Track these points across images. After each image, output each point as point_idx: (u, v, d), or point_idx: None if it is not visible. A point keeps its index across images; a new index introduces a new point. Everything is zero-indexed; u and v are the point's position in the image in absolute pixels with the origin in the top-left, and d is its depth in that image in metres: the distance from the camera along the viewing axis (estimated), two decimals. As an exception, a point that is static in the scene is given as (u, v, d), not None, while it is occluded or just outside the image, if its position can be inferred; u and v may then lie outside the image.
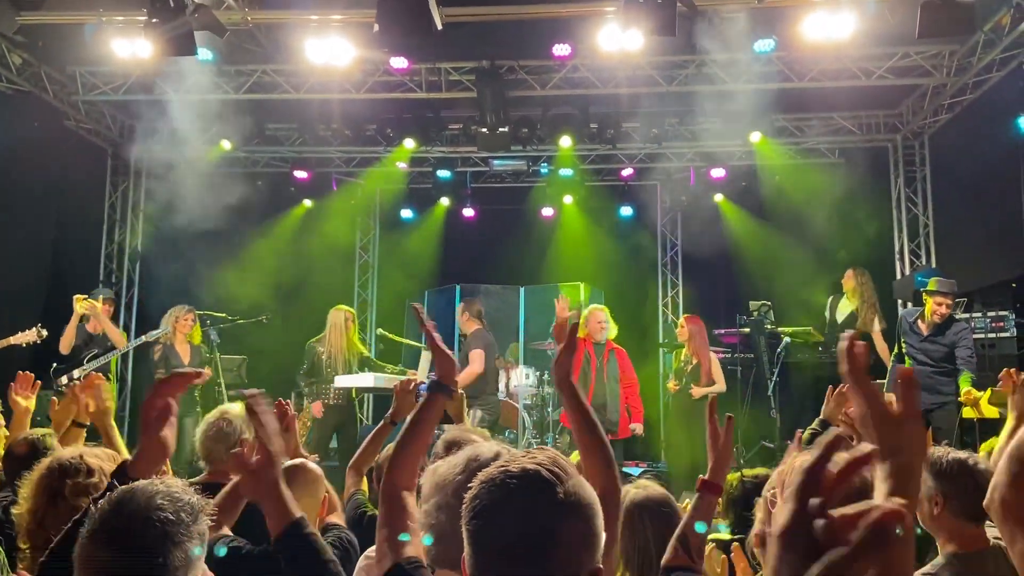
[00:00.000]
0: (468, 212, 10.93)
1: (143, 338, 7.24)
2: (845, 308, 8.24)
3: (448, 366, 1.98)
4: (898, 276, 9.41)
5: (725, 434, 2.20)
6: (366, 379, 8.38)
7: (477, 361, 7.24)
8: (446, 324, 10.14)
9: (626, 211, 10.88)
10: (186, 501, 1.36)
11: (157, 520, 1.31)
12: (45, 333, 6.75)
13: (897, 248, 9.64)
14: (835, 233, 9.24)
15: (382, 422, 3.19)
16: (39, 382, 3.60)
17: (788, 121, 9.76)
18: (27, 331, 6.67)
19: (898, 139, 9.71)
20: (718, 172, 10.04)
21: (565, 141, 9.37)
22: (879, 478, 1.01)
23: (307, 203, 10.67)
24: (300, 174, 10.28)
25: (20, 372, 3.57)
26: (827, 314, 8.30)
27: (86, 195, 9.62)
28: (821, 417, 3.31)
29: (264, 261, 9.83)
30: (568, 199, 10.89)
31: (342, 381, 8.13)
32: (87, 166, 9.57)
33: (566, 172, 10.36)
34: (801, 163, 10.11)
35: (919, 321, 6.49)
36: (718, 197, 10.36)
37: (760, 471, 2.90)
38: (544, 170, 10.71)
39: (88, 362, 6.83)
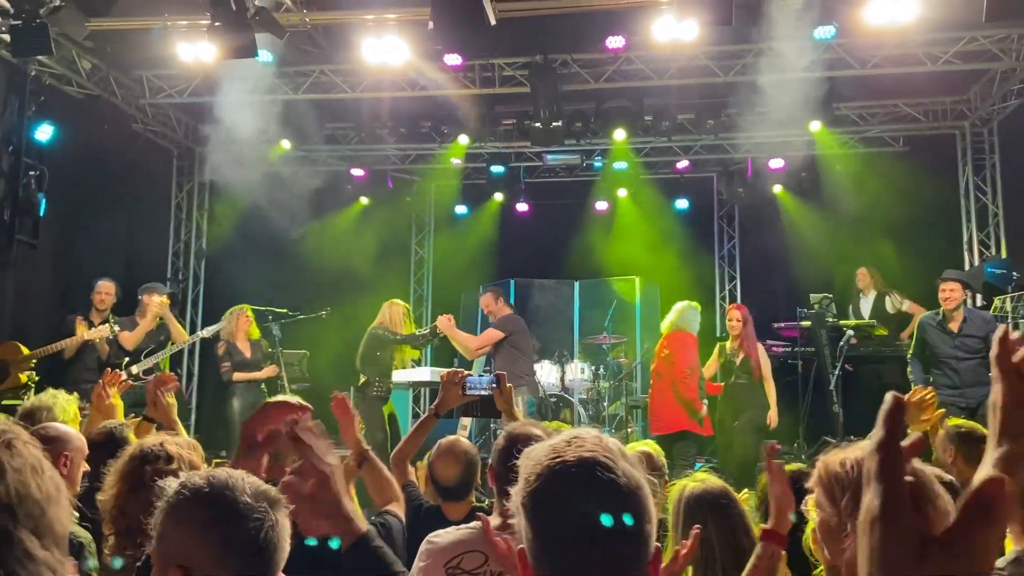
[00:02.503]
0: (522, 207, 10.96)
1: (199, 334, 7.49)
2: (868, 302, 8.33)
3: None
4: (966, 267, 9.11)
5: (779, 480, 2.15)
6: (423, 373, 8.50)
7: (486, 336, 7.26)
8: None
9: (681, 204, 10.77)
10: (265, 491, 1.40)
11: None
12: (118, 329, 7.01)
13: (965, 238, 9.33)
14: (900, 224, 8.99)
15: (427, 413, 3.23)
16: (129, 382, 3.75)
17: (850, 109, 9.52)
18: (100, 327, 6.94)
19: (966, 126, 9.38)
20: (777, 163, 9.86)
21: (619, 134, 9.32)
22: (987, 461, 0.99)
23: (364, 200, 10.84)
24: (357, 172, 10.45)
25: (108, 370, 3.73)
26: (852, 319, 8.23)
27: (153, 195, 9.96)
28: None
29: (323, 257, 10.03)
30: (622, 192, 10.83)
31: (400, 375, 8.27)
32: (154, 167, 9.91)
33: (620, 165, 10.30)
34: (864, 152, 9.85)
35: (946, 322, 6.38)
36: (777, 188, 10.18)
37: (796, 466, 2.84)
38: (598, 164, 10.67)
39: (145, 357, 7.07)
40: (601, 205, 10.92)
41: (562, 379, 8.84)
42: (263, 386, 7.30)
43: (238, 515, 1.35)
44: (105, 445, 2.83)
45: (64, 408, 3.69)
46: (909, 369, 6.63)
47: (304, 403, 1.77)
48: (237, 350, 7.50)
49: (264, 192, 9.04)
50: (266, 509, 1.38)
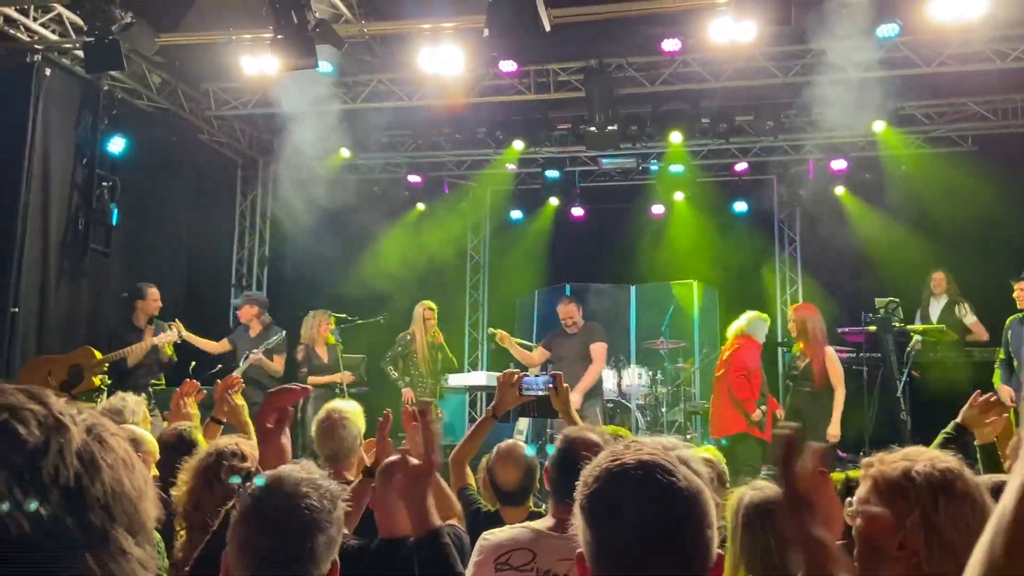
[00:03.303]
0: (577, 211, 10.94)
1: (261, 350, 7.44)
2: (937, 307, 8.15)
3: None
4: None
5: (824, 487, 2.05)
6: (479, 377, 8.55)
7: (601, 357, 7.36)
8: (556, 324, 10.17)
9: (740, 207, 10.61)
10: (327, 488, 1.46)
11: (305, 507, 1.40)
12: (186, 333, 7.23)
13: (1039, 240, 8.96)
14: (968, 225, 8.68)
15: (484, 415, 3.25)
16: (204, 392, 3.86)
17: (915, 109, 9.25)
18: (168, 332, 7.17)
19: (1039, 124, 9.02)
20: (839, 164, 9.64)
21: (676, 137, 9.24)
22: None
23: (420, 206, 10.96)
24: (414, 178, 10.58)
25: (188, 379, 3.85)
26: (919, 324, 7.97)
27: (218, 204, 10.26)
28: (957, 421, 3.08)
29: (380, 263, 10.18)
30: (679, 196, 10.71)
31: (456, 379, 8.33)
32: (219, 177, 10.21)
33: (677, 169, 10.20)
34: (930, 152, 9.55)
35: None
36: (839, 190, 9.95)
37: (855, 474, 2.73)
38: (654, 167, 10.58)
39: (244, 361, 7.28)
40: (657, 209, 10.82)
41: (619, 384, 8.79)
42: (337, 390, 7.46)
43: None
44: (176, 446, 2.94)
45: (133, 410, 3.82)
46: (997, 373, 6.41)
47: (303, 385, 1.91)
48: (316, 355, 7.76)
49: (324, 200, 9.23)
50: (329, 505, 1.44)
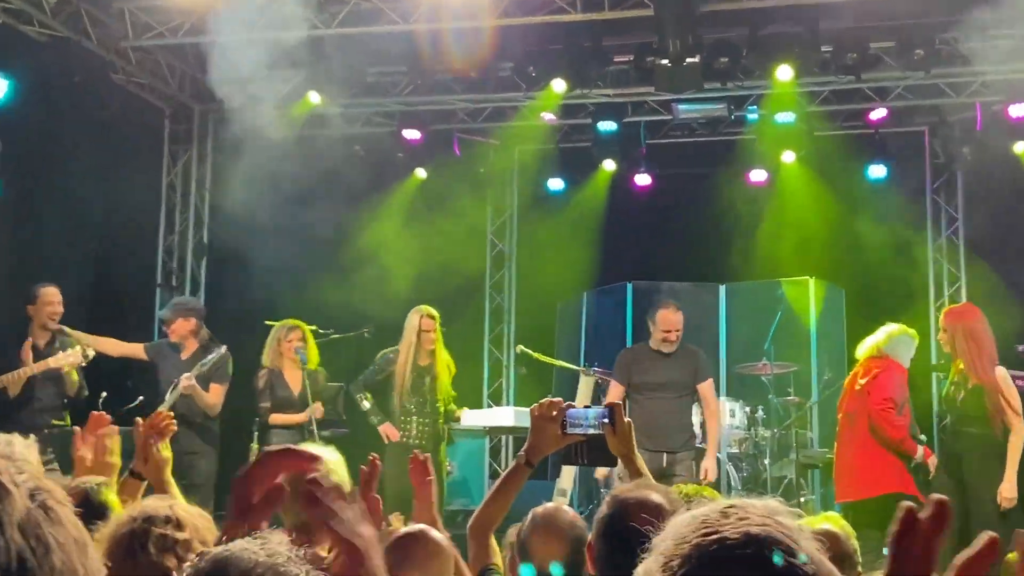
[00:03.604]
0: (642, 179, 10.93)
1: (193, 374, 7.46)
2: None
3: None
4: None
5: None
6: (504, 415, 8.57)
7: (715, 399, 7.80)
8: (614, 338, 10.17)
9: (877, 171, 10.53)
10: (295, 574, 1.43)
11: None
12: (92, 353, 7.30)
13: None
14: None
15: (515, 463, 3.24)
16: (115, 426, 3.88)
17: None
18: (69, 350, 7.23)
19: None
20: (1019, 110, 9.51)
21: (784, 73, 9.17)
22: None
23: (420, 173, 11.01)
24: (411, 134, 10.62)
25: (94, 413, 3.87)
26: None
27: (139, 171, 10.31)
28: None
29: (365, 255, 10.23)
30: (788, 156, 10.65)
31: (472, 417, 8.35)
32: (140, 133, 10.31)
33: (785, 118, 10.13)
34: None
35: None
36: (1019, 147, 9.83)
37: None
38: (752, 116, 10.53)
39: (171, 392, 7.34)
40: (757, 175, 10.78)
41: (703, 425, 8.73)
42: (306, 431, 7.53)
43: None
44: (81, 510, 2.94)
45: (26, 459, 3.85)
46: None
47: (314, 451, 1.82)
48: (283, 383, 7.83)
49: (286, 165, 9.29)
50: None
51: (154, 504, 2.50)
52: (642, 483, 2.78)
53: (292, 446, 1.92)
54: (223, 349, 7.68)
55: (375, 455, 2.72)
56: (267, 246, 9.65)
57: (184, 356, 7.87)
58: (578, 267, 11.06)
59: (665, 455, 7.35)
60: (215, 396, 7.71)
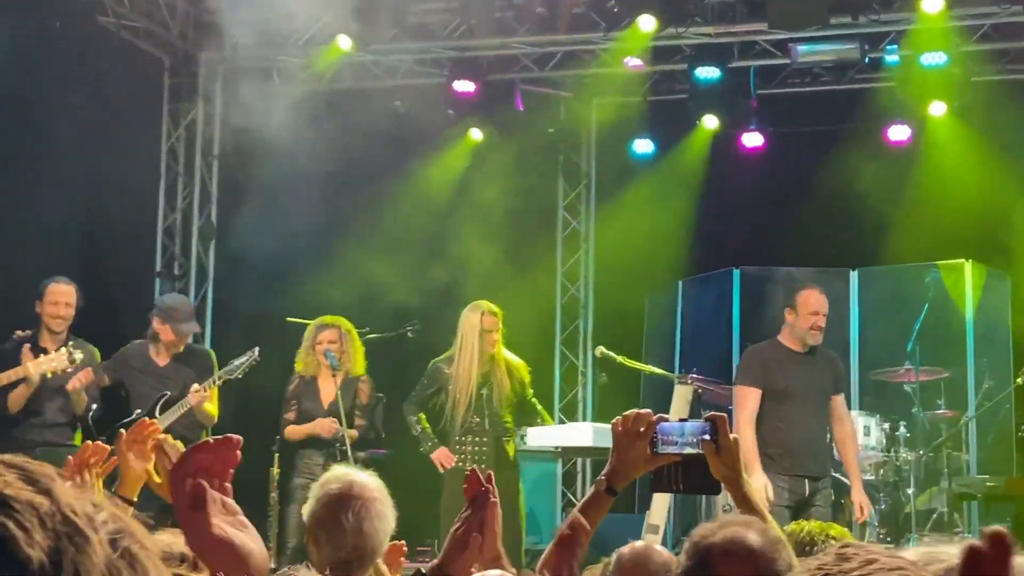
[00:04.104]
0: (752, 140, 10.85)
1: (218, 381, 7.63)
2: None
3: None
4: None
5: None
6: (580, 432, 8.60)
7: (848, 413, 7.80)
8: (716, 338, 10.14)
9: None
10: None
11: None
12: (79, 356, 7.48)
13: None
14: None
15: (593, 489, 3.25)
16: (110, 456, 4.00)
17: None
18: (53, 353, 7.43)
19: None
20: None
21: (932, 3, 9.07)
22: None
23: (475, 134, 11.05)
24: (463, 86, 10.64)
25: (88, 443, 3.98)
26: None
27: (133, 134, 10.43)
28: None
29: (407, 235, 10.31)
30: (938, 108, 10.51)
31: (540, 436, 8.40)
32: (133, 87, 10.40)
33: (934, 59, 10.00)
34: None
35: None
36: None
37: None
38: (892, 58, 10.40)
39: (161, 413, 7.47)
40: (898, 132, 10.64)
41: (830, 443, 8.70)
42: (337, 451, 7.67)
43: None
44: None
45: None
46: None
47: (229, 436, 1.87)
48: (312, 393, 8.01)
49: (312, 126, 9.38)
50: None
51: (167, 540, 2.57)
52: (731, 520, 2.73)
53: (222, 437, 1.94)
54: (255, 352, 7.79)
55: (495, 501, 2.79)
56: (289, 225, 9.74)
57: (162, 362, 8.01)
58: (671, 250, 11.00)
59: (807, 481, 7.34)
60: (213, 403, 7.85)
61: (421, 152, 10.79)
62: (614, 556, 3.34)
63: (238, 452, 1.81)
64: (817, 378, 7.52)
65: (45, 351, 7.53)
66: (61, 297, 7.67)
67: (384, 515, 3.51)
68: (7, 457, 0.92)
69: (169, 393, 7.65)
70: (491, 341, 7.86)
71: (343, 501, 3.49)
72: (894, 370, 9.08)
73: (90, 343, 7.79)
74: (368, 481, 3.59)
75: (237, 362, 7.67)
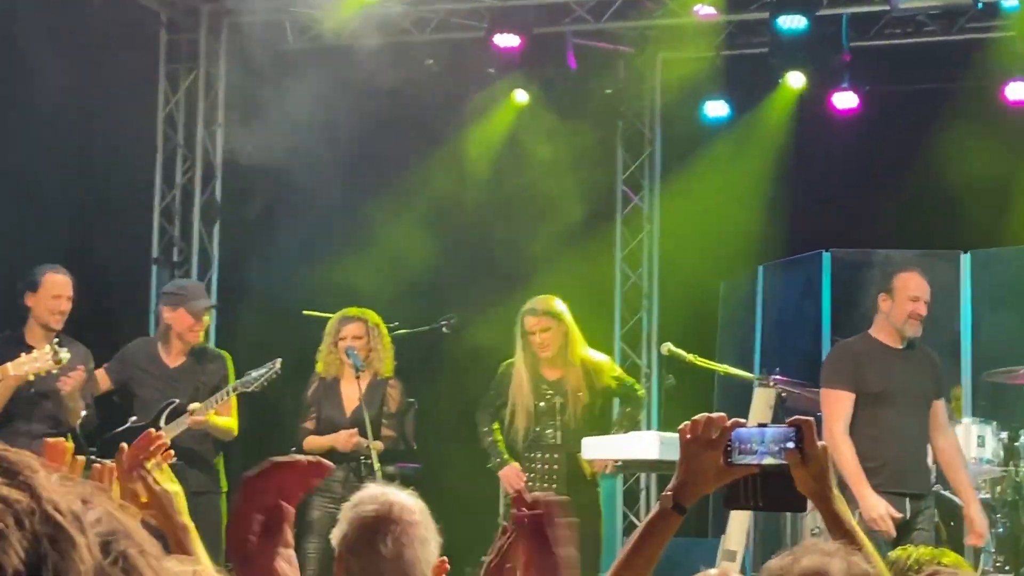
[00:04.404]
0: (845, 100, 10.80)
1: (230, 390, 7.69)
2: None
3: None
4: None
5: None
6: (644, 443, 8.51)
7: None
8: (802, 332, 10.05)
9: None
10: None
11: None
12: (66, 355, 7.49)
13: None
14: None
15: (658, 507, 3.20)
16: (79, 459, 3.97)
17: None
18: (36, 352, 7.42)
19: None
20: None
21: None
22: None
23: (520, 96, 11.03)
24: (506, 40, 10.62)
25: (47, 440, 3.95)
26: None
27: (125, 100, 10.49)
28: None
29: (442, 215, 10.28)
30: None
31: (597, 448, 8.33)
32: (126, 46, 10.40)
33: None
34: None
35: None
36: None
37: None
38: (1010, 2, 10.26)
39: (167, 423, 7.50)
40: (1017, 91, 10.53)
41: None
42: (363, 466, 7.68)
43: None
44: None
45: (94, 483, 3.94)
46: None
47: (320, 459, 1.90)
48: (334, 398, 8.03)
49: (331, 89, 9.37)
50: None
51: (175, 570, 2.52)
52: (814, 547, 2.73)
53: (297, 457, 1.94)
54: (276, 364, 7.79)
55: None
56: (306, 204, 9.76)
57: (172, 362, 8.02)
58: (750, 229, 11.00)
59: (908, 500, 7.19)
60: (231, 416, 7.87)
61: (457, 118, 10.78)
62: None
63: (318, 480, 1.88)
64: (918, 378, 7.40)
65: (30, 348, 7.54)
66: (63, 290, 7.69)
67: (427, 541, 3.49)
68: None
69: (177, 401, 7.69)
70: (538, 344, 7.86)
71: (381, 525, 3.48)
72: (1013, 370, 8.93)
73: (77, 340, 7.79)
74: (408, 502, 3.56)
75: (255, 374, 7.72)
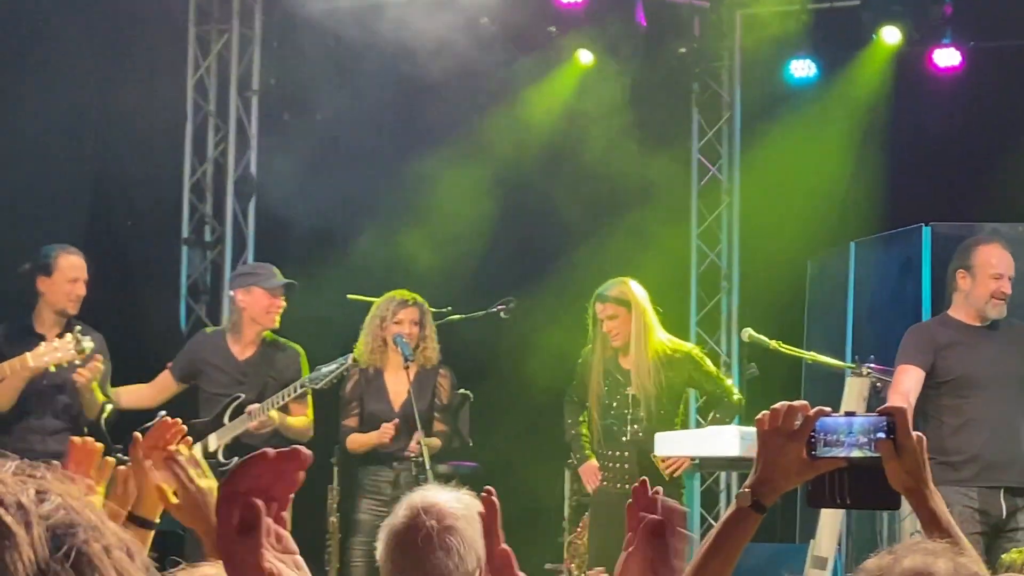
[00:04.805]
0: (946, 58, 10.75)
1: (296, 387, 7.75)
2: None
3: None
4: None
5: None
6: (725, 438, 8.51)
7: None
8: (900, 313, 9.99)
9: None
10: None
11: None
12: (89, 344, 7.56)
13: None
14: None
15: (733, 505, 3.18)
16: (108, 459, 4.01)
17: None
18: (57, 341, 7.50)
19: None
20: None
21: None
22: None
23: (584, 57, 11.05)
24: (567, -6, 10.65)
25: (74, 439, 3.99)
26: None
27: (151, 65, 10.57)
28: None
29: (498, 188, 10.29)
30: None
31: (670, 444, 8.34)
32: (151, 5, 10.45)
33: None
34: None
35: None
36: None
37: None
38: None
39: (230, 419, 7.65)
40: None
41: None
42: (414, 464, 7.71)
43: None
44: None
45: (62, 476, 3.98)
46: None
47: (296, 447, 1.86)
48: (379, 391, 8.07)
49: (377, 51, 9.39)
50: None
51: (209, 574, 2.54)
52: (916, 546, 2.69)
53: (255, 453, 1.92)
54: (348, 359, 7.85)
55: (490, 488, 2.72)
56: (348, 177, 9.78)
57: (241, 355, 8.08)
58: (841, 202, 10.98)
59: (1003, 494, 7.14)
60: (305, 415, 7.96)
61: (514, 81, 10.79)
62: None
63: (302, 472, 1.79)
64: (1008, 359, 7.33)
65: (44, 339, 7.61)
66: (80, 272, 7.76)
67: (472, 542, 3.47)
68: None
69: (243, 396, 7.76)
70: (608, 331, 7.88)
71: (411, 534, 3.51)
72: None
73: (100, 329, 7.86)
74: (444, 501, 3.56)
75: (325, 369, 7.77)
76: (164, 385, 8.17)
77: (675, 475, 7.88)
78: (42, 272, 7.68)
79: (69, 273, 7.67)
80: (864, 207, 10.91)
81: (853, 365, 8.40)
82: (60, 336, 7.56)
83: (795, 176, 11.15)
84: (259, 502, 1.79)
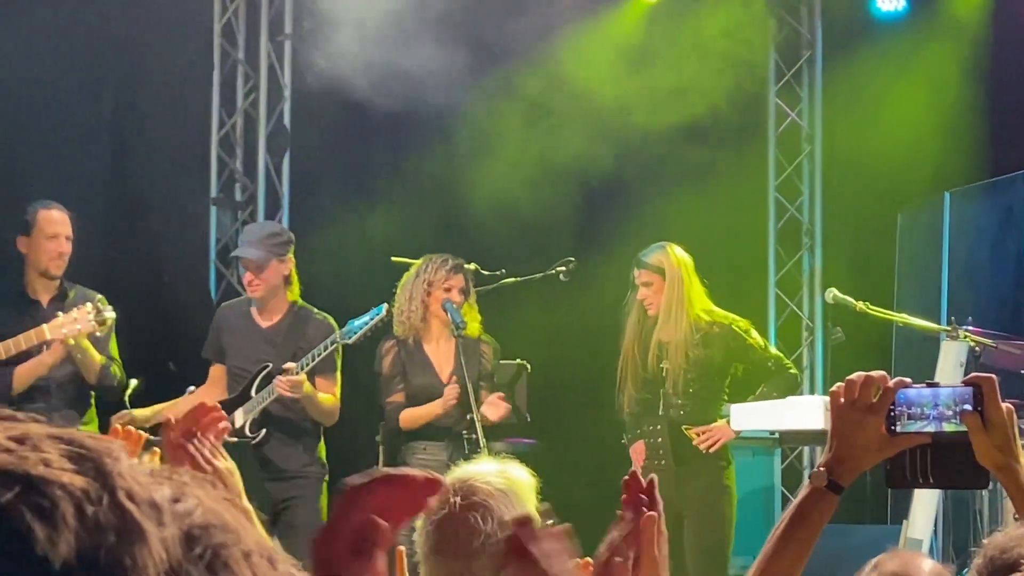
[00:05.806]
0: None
1: (329, 343, 7.77)
2: None
3: None
4: None
5: None
6: (807, 410, 8.52)
7: None
8: (1002, 270, 9.98)
9: None
10: None
11: None
12: (111, 315, 7.64)
13: None
14: None
15: (809, 485, 3.19)
16: (143, 436, 4.06)
17: None
18: (77, 309, 7.57)
19: None
20: None
21: None
22: None
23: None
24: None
25: (116, 427, 4.02)
26: None
27: (174, 8, 10.58)
28: None
29: (552, 138, 10.30)
30: None
31: (746, 417, 8.36)
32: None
33: None
34: None
35: None
36: None
37: None
38: None
39: (257, 391, 7.71)
40: None
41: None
42: (465, 440, 7.77)
43: None
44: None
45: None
46: None
47: (437, 476, 1.90)
48: (422, 362, 8.10)
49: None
50: None
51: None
52: None
53: (406, 471, 1.94)
54: (384, 309, 7.85)
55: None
56: (390, 127, 9.80)
57: (265, 324, 8.12)
58: (934, 149, 10.87)
59: None
60: (332, 394, 7.97)
61: (570, 21, 10.77)
62: (869, 566, 3.38)
63: (434, 500, 1.85)
64: None
65: (37, 305, 7.69)
66: (61, 228, 7.76)
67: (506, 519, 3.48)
68: (57, 429, 0.92)
69: (271, 365, 7.75)
70: (643, 299, 7.96)
71: (449, 516, 3.55)
72: None
73: (123, 299, 7.93)
74: (486, 479, 3.58)
75: (358, 322, 7.78)
76: (217, 376, 8.15)
77: (711, 449, 7.89)
78: (21, 231, 7.72)
79: (48, 229, 7.66)
80: (960, 153, 10.84)
81: (949, 328, 8.38)
82: (56, 300, 7.70)
83: (883, 121, 11.12)
84: (382, 522, 1.82)
